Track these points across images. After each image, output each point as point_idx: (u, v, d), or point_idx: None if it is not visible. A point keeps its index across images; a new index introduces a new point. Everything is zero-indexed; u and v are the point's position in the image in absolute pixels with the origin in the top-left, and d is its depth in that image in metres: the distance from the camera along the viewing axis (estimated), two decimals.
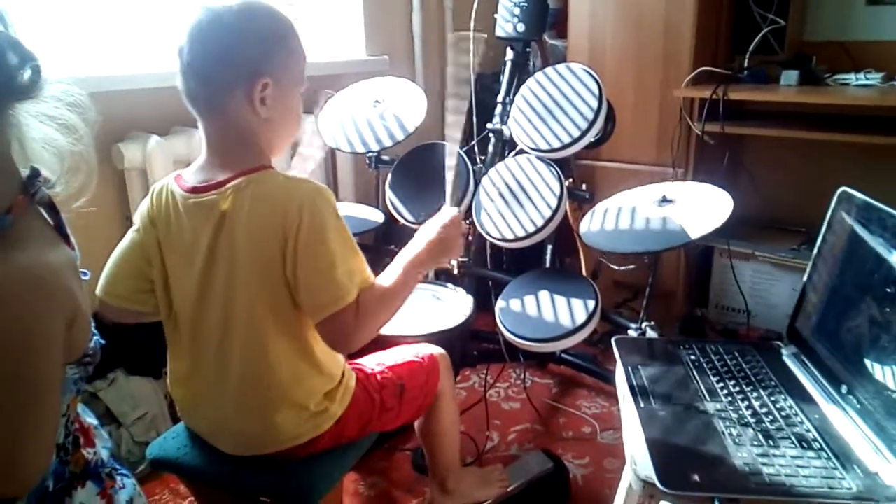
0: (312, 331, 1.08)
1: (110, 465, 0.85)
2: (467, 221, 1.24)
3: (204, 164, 1.06)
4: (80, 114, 0.75)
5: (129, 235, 1.12)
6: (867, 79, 2.01)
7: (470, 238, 1.78)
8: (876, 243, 1.03)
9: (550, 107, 1.77)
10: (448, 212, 1.20)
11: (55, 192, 0.75)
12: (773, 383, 1.11)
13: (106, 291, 1.11)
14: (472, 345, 1.99)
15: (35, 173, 0.73)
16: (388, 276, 1.08)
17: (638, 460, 0.93)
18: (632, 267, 1.97)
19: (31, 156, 0.72)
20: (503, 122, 1.93)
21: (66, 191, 0.76)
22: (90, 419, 0.86)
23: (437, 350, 1.34)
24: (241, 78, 1.00)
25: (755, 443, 0.95)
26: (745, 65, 2.11)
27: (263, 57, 1.00)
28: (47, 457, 0.72)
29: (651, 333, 1.51)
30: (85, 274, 0.78)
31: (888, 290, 0.97)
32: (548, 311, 1.60)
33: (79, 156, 0.75)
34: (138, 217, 1.12)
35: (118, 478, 0.85)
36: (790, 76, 2.05)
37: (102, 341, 0.81)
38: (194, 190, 1.04)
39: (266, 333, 1.04)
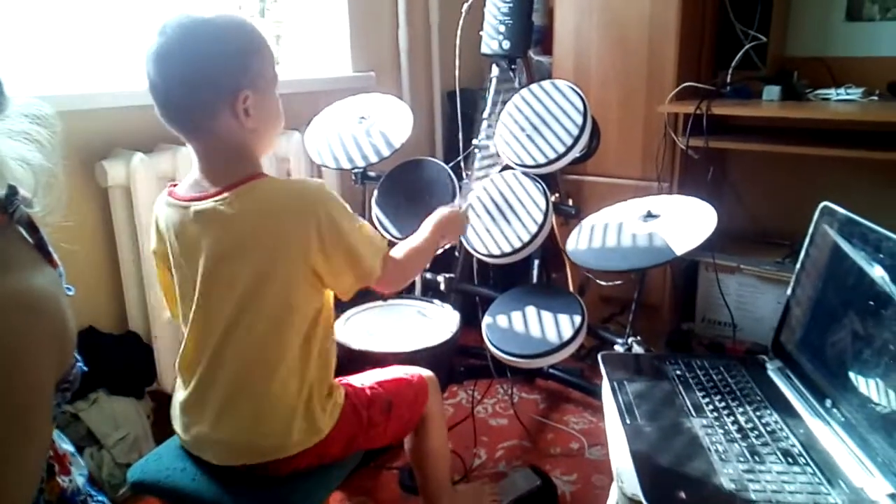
0: (308, 345, 1.09)
1: (86, 491, 0.83)
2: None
3: (199, 179, 1.07)
4: (47, 127, 0.72)
5: (155, 264, 1.19)
6: (847, 94, 2.04)
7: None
8: (858, 257, 1.03)
9: (536, 123, 1.78)
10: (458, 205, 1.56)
11: (34, 212, 0.73)
12: (758, 398, 1.11)
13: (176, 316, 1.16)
14: (459, 361, 1.99)
15: (13, 192, 0.70)
16: (415, 237, 1.33)
17: (624, 477, 0.93)
18: (618, 282, 1.97)
19: (5, 173, 0.70)
20: (488, 138, 1.94)
21: (44, 209, 0.74)
22: (66, 445, 0.84)
23: (425, 371, 1.34)
24: (223, 97, 1.01)
25: (741, 459, 0.95)
26: (728, 80, 2.13)
27: (241, 72, 1.01)
28: (33, 486, 0.70)
29: (637, 348, 1.51)
30: (69, 289, 0.76)
31: (870, 303, 0.98)
32: (534, 327, 1.60)
33: (50, 171, 0.73)
34: (153, 240, 1.15)
35: None
36: (772, 91, 2.07)
37: (85, 368, 0.79)
38: (193, 200, 1.05)
39: (267, 343, 1.05)
